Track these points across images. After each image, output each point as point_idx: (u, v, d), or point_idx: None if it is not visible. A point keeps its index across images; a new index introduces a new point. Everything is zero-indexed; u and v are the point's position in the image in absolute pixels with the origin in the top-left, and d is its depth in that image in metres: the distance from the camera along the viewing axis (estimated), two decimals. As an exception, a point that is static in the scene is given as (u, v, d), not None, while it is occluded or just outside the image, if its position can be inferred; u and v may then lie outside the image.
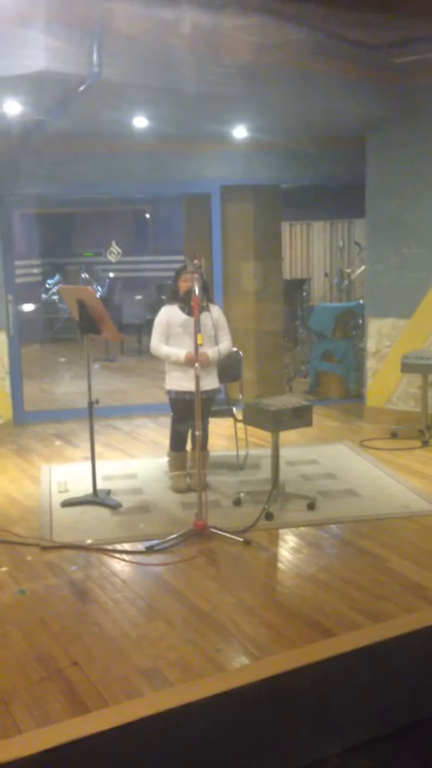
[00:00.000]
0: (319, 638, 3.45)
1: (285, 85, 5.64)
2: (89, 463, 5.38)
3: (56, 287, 12.53)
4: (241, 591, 3.94)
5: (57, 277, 13.00)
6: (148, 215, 13.81)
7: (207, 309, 5.05)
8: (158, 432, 7.21)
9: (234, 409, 5.97)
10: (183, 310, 5.30)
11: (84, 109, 5.90)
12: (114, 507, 5.17)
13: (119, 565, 4.30)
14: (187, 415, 5.23)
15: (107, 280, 13.06)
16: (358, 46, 4.85)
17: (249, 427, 5.87)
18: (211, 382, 5.36)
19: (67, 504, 5.25)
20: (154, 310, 6.01)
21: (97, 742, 2.64)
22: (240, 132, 7.37)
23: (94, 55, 4.56)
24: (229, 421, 6.19)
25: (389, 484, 5.58)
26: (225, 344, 5.35)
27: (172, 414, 5.57)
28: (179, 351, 5.24)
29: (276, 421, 4.93)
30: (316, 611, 3.70)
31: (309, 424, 5.11)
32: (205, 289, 5.07)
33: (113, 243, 10.46)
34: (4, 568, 4.27)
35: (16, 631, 3.59)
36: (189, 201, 8.30)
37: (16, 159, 7.40)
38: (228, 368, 5.97)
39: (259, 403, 5.08)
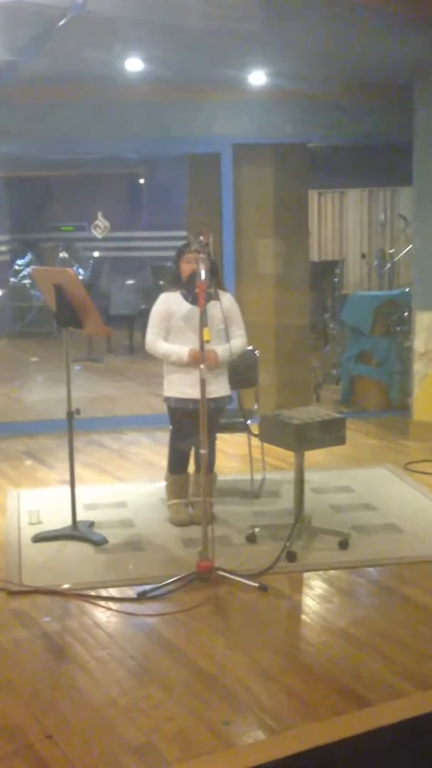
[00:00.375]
0: (353, 708, 3.44)
1: (313, 21, 5.66)
2: (67, 488, 5.39)
3: (28, 269, 12.58)
4: (255, 649, 3.94)
5: (29, 257, 13.05)
6: (142, 180, 13.84)
7: (216, 297, 5.06)
8: (154, 450, 7.21)
9: (248, 422, 5.98)
10: (186, 298, 5.32)
11: (65, 48, 5.94)
12: (98, 543, 5.18)
13: (104, 616, 4.31)
14: (190, 429, 5.23)
15: (91, 261, 13.09)
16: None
17: (266, 445, 5.87)
18: (219, 388, 5.37)
19: (40, 539, 5.26)
20: (150, 298, 6.04)
21: None
22: (258, 78, 7.39)
23: (78, -17, 4.59)
24: (242, 437, 6.19)
25: (441, 518, 5.59)
26: (238, 341, 5.37)
27: (171, 427, 5.58)
28: (181, 348, 5.26)
29: (300, 438, 4.94)
30: (349, 675, 3.70)
31: (341, 441, 5.11)
32: (214, 272, 5.08)
33: (99, 215, 10.51)
34: (-39, 618, 4.29)
35: (-25, 695, 3.61)
36: (194, 163, 8.32)
37: (-20, 110, 7.45)
38: (241, 371, 5.98)
39: (279, 415, 5.09)
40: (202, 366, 4.65)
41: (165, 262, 11.05)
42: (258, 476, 6.24)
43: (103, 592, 4.54)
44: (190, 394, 5.21)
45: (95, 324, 5.25)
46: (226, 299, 5.34)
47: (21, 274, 12.77)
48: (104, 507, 5.86)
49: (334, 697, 3.53)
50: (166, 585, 4.54)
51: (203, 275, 4.63)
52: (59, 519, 5.49)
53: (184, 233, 8.51)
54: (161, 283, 10.70)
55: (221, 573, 4.62)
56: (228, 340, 5.23)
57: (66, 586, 4.62)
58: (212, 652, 3.92)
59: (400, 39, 6.13)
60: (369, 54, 6.59)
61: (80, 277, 10.44)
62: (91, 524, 5.46)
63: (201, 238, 4.75)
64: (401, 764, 3.07)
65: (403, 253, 10.42)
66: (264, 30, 5.78)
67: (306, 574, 4.76)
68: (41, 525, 5.49)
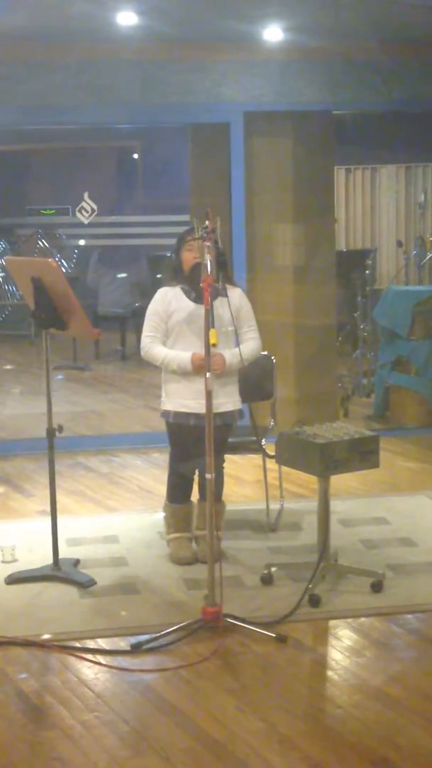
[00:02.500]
0: (389, 783, 3.44)
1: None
2: (48, 520, 5.39)
3: (1, 260, 12.61)
4: (272, 712, 3.93)
5: (2, 246, 13.08)
6: (136, 155, 13.88)
7: (223, 293, 5.07)
8: (150, 474, 7.21)
9: (263, 441, 5.98)
10: (188, 294, 5.33)
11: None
12: (84, 585, 5.18)
13: (92, 672, 4.30)
14: (193, 449, 5.23)
15: (76, 251, 13.12)
16: None
17: (285, 469, 5.86)
18: (228, 400, 5.37)
19: (15, 580, 5.27)
20: (146, 294, 6.05)
21: None
22: (273, 33, 7.40)
23: None
24: (256, 459, 6.18)
25: None
26: (250, 345, 5.37)
27: (170, 448, 5.58)
28: (182, 354, 5.26)
29: (325, 460, 4.93)
30: (385, 743, 3.68)
31: (374, 464, 5.11)
32: (222, 263, 5.09)
33: (85, 196, 10.50)
34: None
35: None
36: (198, 134, 8.33)
37: None
38: (254, 381, 5.98)
39: (299, 433, 5.09)
40: (208, 374, 4.65)
41: (164, 252, 11.06)
42: (274, 505, 6.23)
43: (91, 644, 4.53)
44: (193, 407, 5.22)
45: (81, 325, 5.25)
46: (236, 295, 5.34)
47: (-7, 267, 12.81)
48: (92, 542, 5.85)
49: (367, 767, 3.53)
50: (165, 635, 4.53)
51: (210, 267, 4.64)
52: (38, 557, 5.49)
53: (186, 218, 8.53)
54: (159, 276, 10.71)
55: (231, 621, 4.61)
56: (238, 343, 5.23)
57: (46, 636, 4.61)
58: (221, 715, 3.91)
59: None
60: (408, 1, 6.58)
61: (63, 270, 10.45)
62: (76, 563, 5.45)
63: (206, 223, 4.76)
64: None
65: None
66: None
67: (332, 623, 4.75)
68: (16, 564, 5.48)
